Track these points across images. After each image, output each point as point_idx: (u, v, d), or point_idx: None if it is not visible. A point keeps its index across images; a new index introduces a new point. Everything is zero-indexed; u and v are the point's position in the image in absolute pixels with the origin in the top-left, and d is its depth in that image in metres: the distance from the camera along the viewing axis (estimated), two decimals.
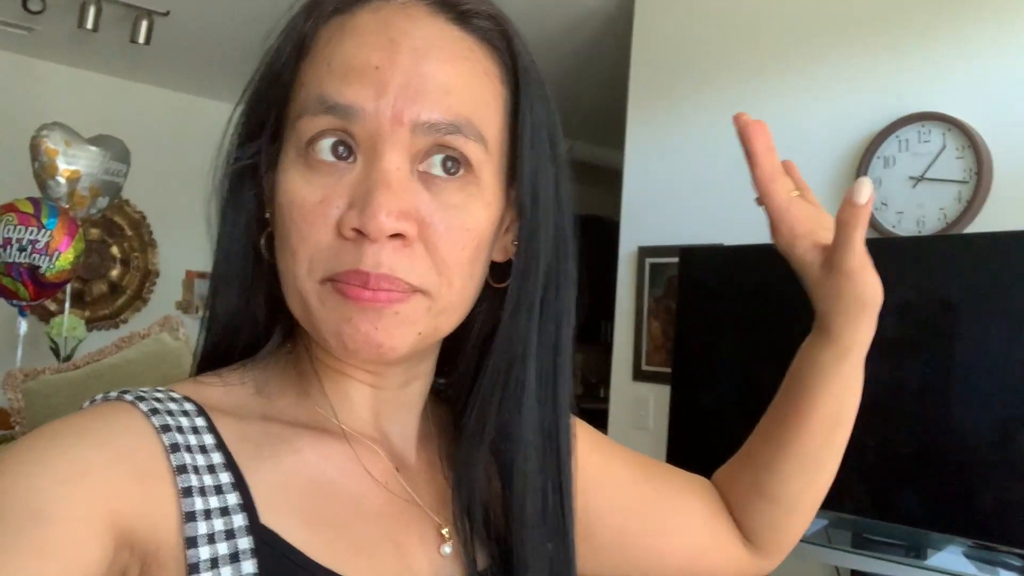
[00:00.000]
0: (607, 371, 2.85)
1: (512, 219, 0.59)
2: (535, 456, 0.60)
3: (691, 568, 0.76)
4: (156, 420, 0.49)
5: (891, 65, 2.18)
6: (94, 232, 4.68)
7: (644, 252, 2.70)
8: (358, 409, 0.60)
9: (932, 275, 1.82)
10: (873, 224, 2.15)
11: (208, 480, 0.49)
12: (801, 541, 1.96)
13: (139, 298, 4.97)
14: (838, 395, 0.70)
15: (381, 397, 0.60)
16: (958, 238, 1.96)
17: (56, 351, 3.82)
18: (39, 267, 3.36)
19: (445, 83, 0.51)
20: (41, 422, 0.48)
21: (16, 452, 0.45)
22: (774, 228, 0.66)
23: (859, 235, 0.61)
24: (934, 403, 1.78)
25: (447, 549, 0.59)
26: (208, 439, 0.51)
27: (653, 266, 2.67)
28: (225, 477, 0.50)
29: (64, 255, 3.41)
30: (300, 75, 0.54)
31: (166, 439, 0.49)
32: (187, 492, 0.48)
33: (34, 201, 3.43)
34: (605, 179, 4.41)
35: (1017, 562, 1.70)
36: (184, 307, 4.97)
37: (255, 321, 0.59)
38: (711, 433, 2.05)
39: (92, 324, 4.60)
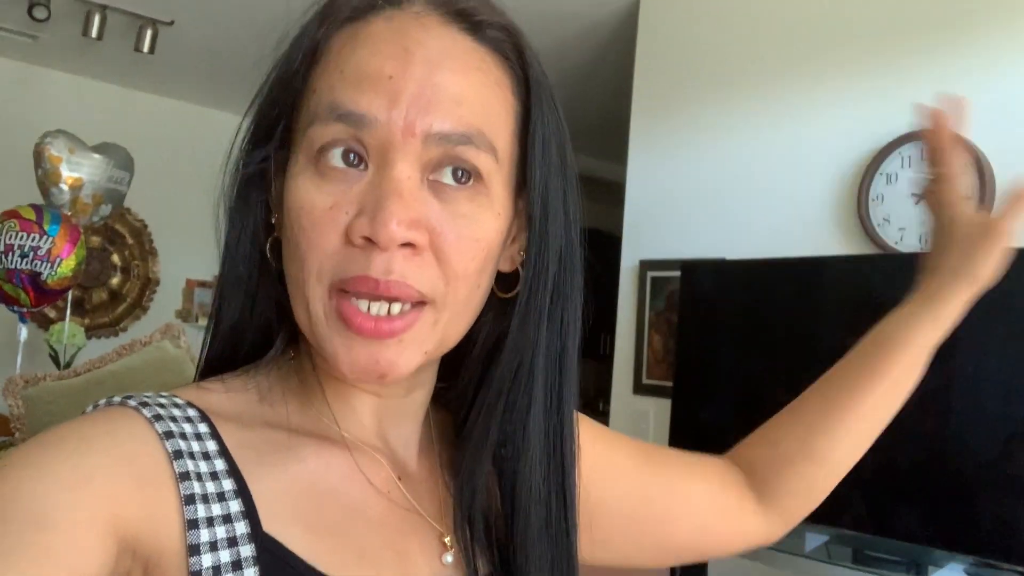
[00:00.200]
0: (607, 384, 2.84)
1: (520, 229, 0.59)
2: (540, 468, 0.60)
3: (697, 544, 0.78)
4: (159, 426, 0.49)
5: (894, 82, 2.18)
6: (95, 240, 4.68)
7: (646, 266, 2.70)
8: (361, 417, 0.60)
9: None
10: (875, 240, 2.15)
11: (211, 487, 0.49)
12: (801, 557, 1.93)
13: (139, 306, 4.97)
14: (910, 366, 0.77)
15: (384, 405, 0.60)
16: None
17: (56, 358, 3.82)
18: (40, 274, 3.35)
19: (457, 94, 0.51)
20: (41, 429, 0.48)
21: (19, 457, 0.45)
22: (938, 188, 0.79)
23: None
24: (935, 419, 1.77)
25: (449, 558, 0.59)
26: (211, 446, 0.51)
27: (654, 280, 2.67)
28: (228, 484, 0.50)
29: (65, 262, 3.41)
30: (312, 82, 0.54)
31: (169, 446, 0.49)
32: (189, 499, 0.48)
33: (36, 208, 3.43)
34: (606, 192, 4.42)
35: None
36: (184, 316, 4.97)
37: (260, 327, 0.59)
38: (712, 447, 2.03)
39: (92, 332, 4.60)
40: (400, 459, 0.61)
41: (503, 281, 0.59)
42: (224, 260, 0.58)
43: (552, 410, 0.61)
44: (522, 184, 0.57)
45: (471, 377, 0.62)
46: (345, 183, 0.51)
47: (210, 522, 0.48)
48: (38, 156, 3.53)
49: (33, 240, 3.32)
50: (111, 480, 0.45)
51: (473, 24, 0.54)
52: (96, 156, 3.67)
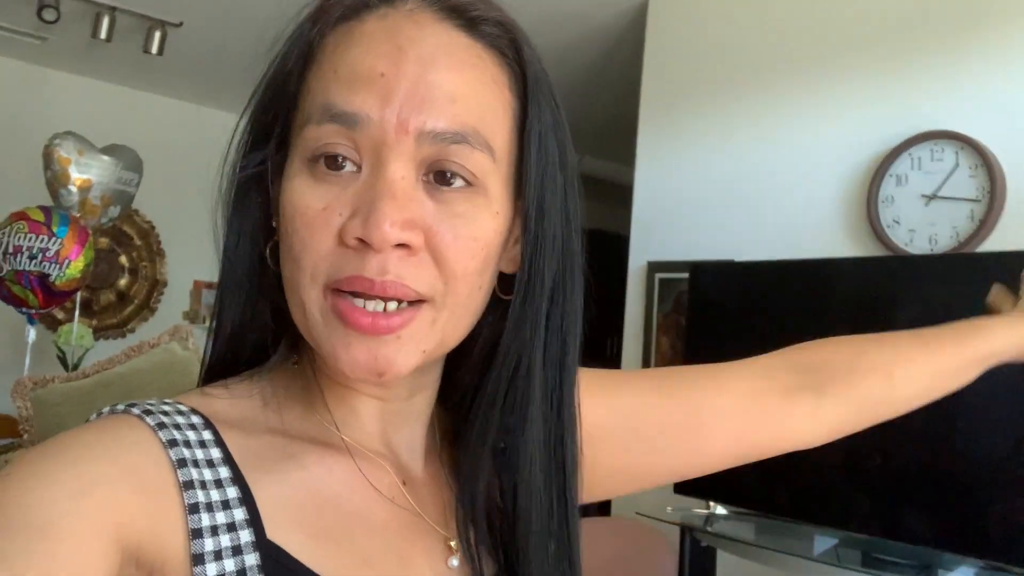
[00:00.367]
0: None
1: (522, 229, 0.58)
2: (540, 472, 0.60)
3: (733, 452, 0.78)
4: (163, 435, 0.49)
5: (904, 83, 2.17)
6: (103, 241, 4.70)
7: (654, 267, 2.69)
8: (364, 422, 0.59)
9: (944, 293, 1.81)
10: (885, 242, 2.14)
11: (215, 495, 0.49)
12: (811, 560, 1.92)
13: (146, 307, 4.98)
14: (977, 362, 0.82)
15: (387, 409, 0.60)
16: (970, 256, 1.95)
17: (64, 360, 3.83)
18: (49, 275, 3.37)
19: (452, 91, 0.51)
20: (49, 430, 0.47)
21: (23, 465, 0.45)
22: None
23: None
24: (945, 422, 1.76)
25: (454, 562, 0.59)
26: (215, 453, 0.51)
27: (663, 281, 2.67)
28: (232, 492, 0.50)
29: (74, 264, 3.42)
30: (306, 82, 0.54)
31: (173, 454, 0.48)
32: (194, 508, 0.47)
33: (45, 209, 3.45)
34: (615, 194, 4.41)
35: None
36: (191, 317, 4.98)
37: (261, 331, 0.59)
38: None
39: (99, 333, 4.62)
40: (404, 464, 0.61)
41: (507, 282, 0.58)
42: (223, 264, 0.58)
43: (552, 413, 0.60)
44: (522, 183, 0.56)
45: (471, 379, 0.62)
46: (339, 185, 0.51)
47: (214, 531, 0.47)
48: (47, 158, 3.55)
49: (42, 242, 3.34)
50: (115, 489, 0.45)
51: (468, 20, 0.53)
52: (105, 158, 3.68)
